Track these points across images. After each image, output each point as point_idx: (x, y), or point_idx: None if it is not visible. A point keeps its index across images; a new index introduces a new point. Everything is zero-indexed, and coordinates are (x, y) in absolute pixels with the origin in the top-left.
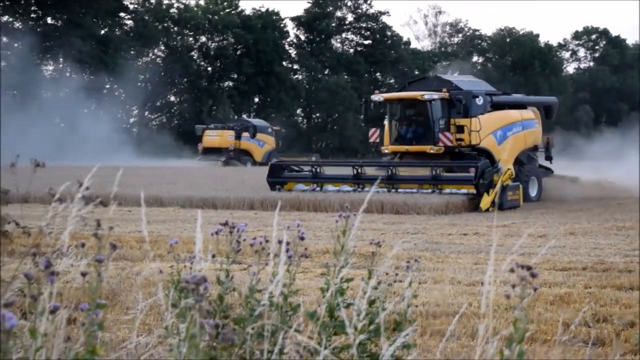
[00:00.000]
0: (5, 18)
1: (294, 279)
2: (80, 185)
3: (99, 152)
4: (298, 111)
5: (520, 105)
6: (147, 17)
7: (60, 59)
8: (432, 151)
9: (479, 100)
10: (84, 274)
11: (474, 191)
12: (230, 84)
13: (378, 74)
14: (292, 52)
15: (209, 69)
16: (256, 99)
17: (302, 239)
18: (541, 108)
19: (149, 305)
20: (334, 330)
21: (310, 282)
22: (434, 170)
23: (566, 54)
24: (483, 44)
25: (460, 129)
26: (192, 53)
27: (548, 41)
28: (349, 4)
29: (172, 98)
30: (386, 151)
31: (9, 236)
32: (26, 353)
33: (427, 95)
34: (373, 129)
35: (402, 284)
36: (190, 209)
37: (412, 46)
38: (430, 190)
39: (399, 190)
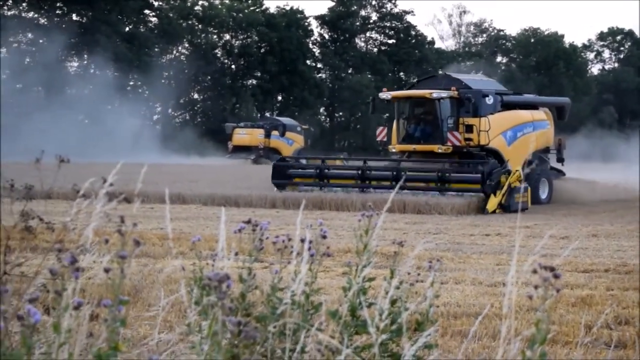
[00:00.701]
0: (30, 14)
1: (315, 278)
2: (105, 182)
3: (122, 149)
4: (321, 110)
5: (532, 106)
6: (171, 15)
7: (85, 56)
8: (440, 151)
9: (489, 100)
10: (107, 270)
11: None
12: (254, 82)
13: (402, 73)
14: (316, 50)
15: (233, 66)
16: (279, 97)
17: (324, 237)
18: (553, 109)
19: (171, 303)
20: (355, 329)
21: (331, 281)
22: (440, 170)
23: (591, 55)
24: (507, 44)
25: (469, 128)
26: (216, 51)
27: (573, 42)
28: (374, 3)
29: (196, 95)
30: (393, 150)
31: (33, 231)
32: (49, 348)
33: (435, 93)
34: (380, 128)
35: (424, 284)
36: (212, 207)
37: (436, 46)
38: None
39: (405, 190)
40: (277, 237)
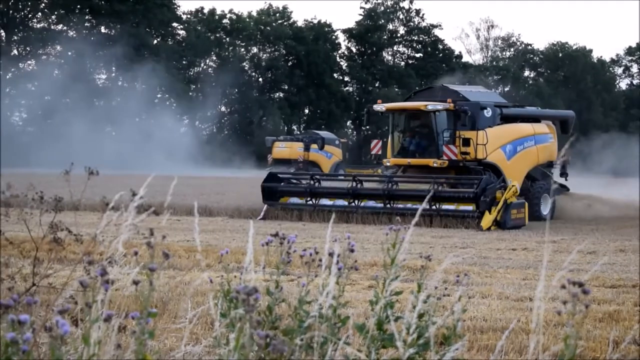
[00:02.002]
0: (60, 27)
1: (343, 291)
2: (134, 195)
3: (150, 161)
4: (348, 123)
5: (534, 119)
6: (199, 28)
7: (113, 68)
8: (435, 165)
9: (487, 112)
10: (136, 282)
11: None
12: (281, 95)
13: None
14: (343, 64)
15: (260, 79)
16: (306, 111)
17: (352, 251)
18: (557, 122)
19: (198, 315)
20: (382, 343)
21: (357, 295)
22: (433, 186)
23: (619, 70)
24: (535, 58)
25: (466, 142)
26: (244, 64)
27: (601, 56)
28: (401, 16)
29: (223, 108)
30: (388, 164)
31: (62, 243)
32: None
33: (430, 105)
34: (375, 141)
35: (451, 298)
36: (238, 219)
37: (463, 60)
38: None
39: (398, 205)
40: (304, 250)
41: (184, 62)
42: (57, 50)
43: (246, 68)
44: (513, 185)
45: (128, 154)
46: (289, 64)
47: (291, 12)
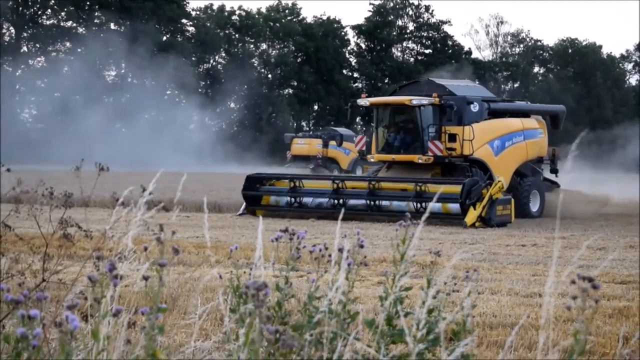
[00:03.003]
0: (69, 24)
1: (352, 287)
2: (144, 190)
3: (159, 158)
4: (357, 119)
5: (523, 114)
6: (209, 24)
7: (123, 65)
8: (420, 161)
9: (474, 107)
10: (146, 278)
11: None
12: (290, 91)
13: None
14: (353, 60)
15: (269, 76)
16: (315, 107)
17: (361, 247)
18: (547, 117)
19: (207, 311)
20: (391, 339)
21: (367, 291)
22: (418, 186)
23: (629, 66)
24: (545, 54)
25: (452, 137)
26: (253, 60)
27: (611, 52)
28: (411, 13)
29: (232, 105)
30: (372, 160)
31: (72, 239)
32: (87, 355)
33: (415, 100)
34: (359, 136)
35: (460, 294)
36: (247, 216)
37: (473, 56)
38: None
39: (383, 203)
40: (314, 246)
41: (193, 59)
42: (66, 47)
43: (255, 64)
44: (499, 181)
45: (138, 150)
46: (298, 61)
47: (300, 8)
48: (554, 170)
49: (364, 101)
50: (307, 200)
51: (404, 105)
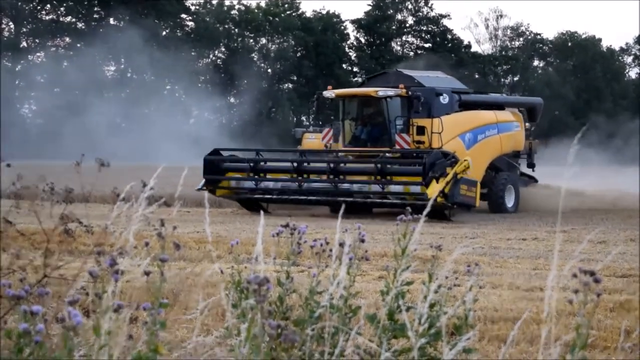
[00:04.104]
0: (68, 19)
1: (353, 282)
2: (145, 186)
3: (159, 153)
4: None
5: (498, 106)
6: (208, 19)
7: (122, 60)
8: (387, 155)
9: (444, 99)
10: (147, 273)
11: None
12: (290, 85)
13: None
14: (352, 54)
15: (269, 70)
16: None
17: (362, 241)
18: (524, 110)
19: (209, 306)
20: (393, 333)
21: (367, 285)
22: (378, 164)
23: (628, 59)
24: (544, 47)
25: (420, 130)
26: (253, 55)
27: (610, 45)
28: (410, 6)
29: (232, 99)
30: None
31: (73, 234)
32: (89, 350)
33: (381, 91)
34: (326, 129)
35: (461, 288)
36: (248, 211)
37: (472, 49)
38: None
39: (344, 184)
40: (314, 240)
41: (192, 54)
42: (66, 42)
43: (255, 59)
44: (465, 160)
45: (138, 145)
46: (297, 55)
47: (300, 3)
48: (531, 165)
49: (329, 93)
50: (269, 183)
51: (369, 96)
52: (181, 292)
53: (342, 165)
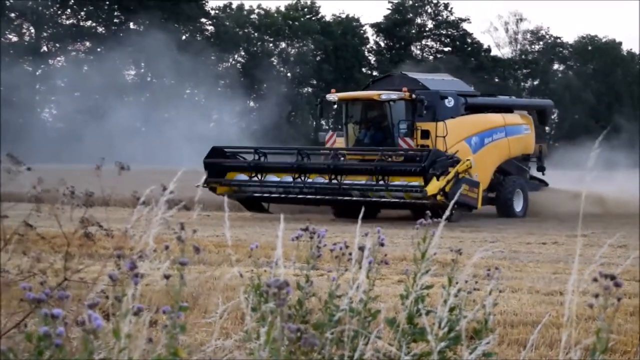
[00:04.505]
0: (88, 23)
1: (373, 285)
2: (165, 189)
3: (179, 156)
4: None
5: (506, 109)
6: (228, 23)
7: (142, 64)
8: (390, 159)
9: (449, 102)
10: (167, 277)
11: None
12: (310, 89)
13: None
14: (372, 58)
15: (289, 74)
16: (335, 105)
17: (382, 245)
18: (534, 112)
19: (228, 310)
20: (413, 337)
21: (387, 289)
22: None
23: None
24: (564, 51)
25: (425, 134)
26: (272, 59)
27: (631, 49)
28: (429, 10)
29: (252, 103)
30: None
31: (93, 238)
32: (109, 354)
33: (384, 95)
34: (330, 133)
35: (481, 292)
36: (267, 214)
37: (492, 53)
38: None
39: (345, 183)
40: (334, 244)
41: (212, 58)
42: (86, 47)
43: (274, 63)
44: (467, 160)
45: (158, 149)
46: (317, 59)
47: (319, 7)
48: (541, 168)
49: (332, 96)
50: (271, 177)
51: (372, 100)
52: (201, 296)
53: (342, 163)
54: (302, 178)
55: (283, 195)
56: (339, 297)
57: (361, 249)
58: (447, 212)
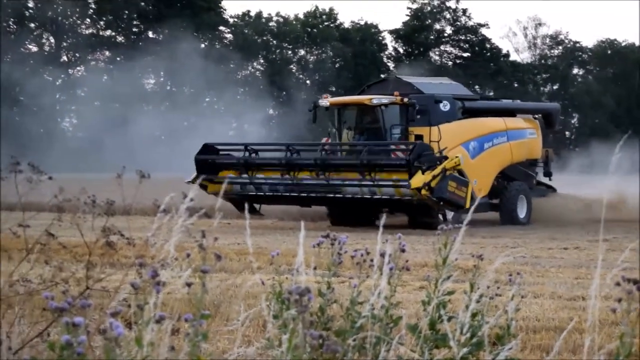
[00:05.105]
0: (108, 32)
1: (394, 292)
2: (185, 197)
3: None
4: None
5: (508, 113)
6: (247, 31)
7: (161, 73)
8: (375, 148)
9: (444, 106)
10: (188, 284)
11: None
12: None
13: (477, 86)
14: (391, 65)
15: (308, 82)
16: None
17: (403, 251)
18: (539, 116)
19: (250, 317)
20: (435, 343)
21: (409, 296)
22: (364, 159)
23: None
24: (584, 56)
25: (419, 139)
26: (291, 66)
27: None
28: (448, 16)
29: (271, 111)
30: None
31: (114, 247)
32: None
33: (375, 99)
34: (324, 139)
35: (503, 298)
36: (288, 221)
37: (511, 58)
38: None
39: (331, 180)
40: (355, 251)
41: (231, 66)
42: (105, 56)
43: (293, 70)
44: (456, 157)
45: (178, 157)
46: (336, 66)
47: (337, 13)
48: (548, 174)
49: (324, 101)
50: (259, 176)
51: (363, 105)
52: (222, 304)
53: (329, 158)
54: (291, 175)
55: (270, 194)
56: (360, 303)
57: (382, 255)
58: (469, 217)
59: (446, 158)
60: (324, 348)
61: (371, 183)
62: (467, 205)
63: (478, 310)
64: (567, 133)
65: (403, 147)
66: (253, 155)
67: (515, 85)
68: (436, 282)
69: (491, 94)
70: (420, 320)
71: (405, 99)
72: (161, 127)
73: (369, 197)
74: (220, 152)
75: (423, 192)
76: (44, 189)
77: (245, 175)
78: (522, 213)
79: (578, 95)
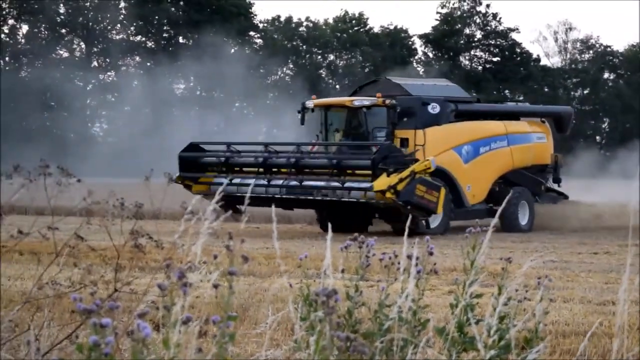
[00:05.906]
0: (138, 38)
1: (422, 295)
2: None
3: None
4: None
5: (512, 116)
6: (276, 36)
7: (191, 78)
8: (343, 149)
9: (433, 108)
10: (216, 286)
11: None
12: None
13: (507, 91)
14: (420, 69)
15: (337, 86)
16: None
17: (430, 254)
18: (550, 120)
19: (277, 320)
20: (462, 346)
21: (437, 300)
22: (334, 159)
23: None
24: (615, 60)
25: (404, 142)
26: (321, 71)
27: None
28: (478, 21)
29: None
30: None
31: (143, 249)
32: None
33: (357, 101)
34: (314, 141)
35: (532, 302)
36: (316, 226)
37: (541, 63)
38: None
39: (304, 182)
40: (383, 254)
41: (261, 70)
42: (136, 61)
43: (323, 75)
44: (427, 160)
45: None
46: (365, 71)
47: (367, 18)
48: (557, 180)
49: (310, 103)
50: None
51: (345, 106)
52: (250, 307)
53: (303, 157)
54: (267, 176)
55: (253, 195)
56: (388, 306)
57: (409, 257)
58: (495, 220)
59: (416, 160)
60: (351, 350)
61: (340, 185)
62: (439, 211)
63: (506, 314)
64: (597, 138)
65: (372, 149)
66: (235, 155)
67: (546, 89)
68: (464, 285)
69: (521, 98)
70: (449, 323)
71: (388, 101)
72: (191, 132)
73: (336, 199)
74: (206, 151)
75: (388, 195)
76: (73, 193)
77: (223, 175)
78: (523, 219)
79: (608, 99)
